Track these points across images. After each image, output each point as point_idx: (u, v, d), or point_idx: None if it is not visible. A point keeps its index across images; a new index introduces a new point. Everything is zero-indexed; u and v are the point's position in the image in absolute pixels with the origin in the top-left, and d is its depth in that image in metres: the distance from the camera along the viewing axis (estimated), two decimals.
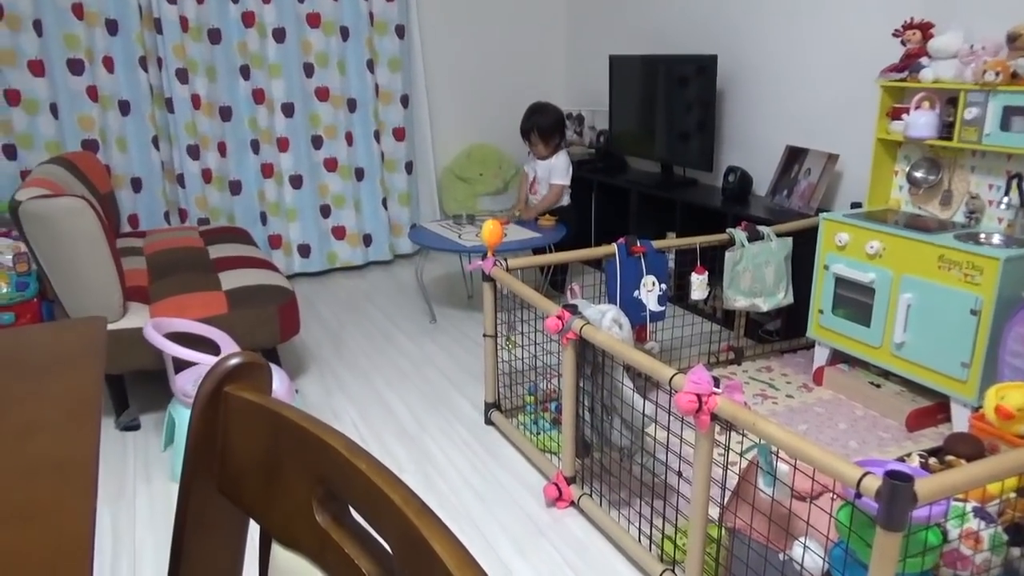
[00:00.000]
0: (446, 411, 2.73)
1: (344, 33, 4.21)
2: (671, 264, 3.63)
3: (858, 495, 1.24)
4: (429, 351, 3.28)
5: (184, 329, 2.47)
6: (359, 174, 4.44)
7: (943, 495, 1.23)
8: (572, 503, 2.13)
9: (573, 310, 2.03)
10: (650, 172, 4.25)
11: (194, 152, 3.98)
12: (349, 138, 4.33)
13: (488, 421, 2.62)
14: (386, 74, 4.41)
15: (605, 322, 1.99)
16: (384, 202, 4.51)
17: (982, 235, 2.44)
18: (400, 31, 4.38)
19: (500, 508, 2.15)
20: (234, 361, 0.70)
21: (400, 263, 4.66)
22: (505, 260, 2.48)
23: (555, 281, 3.85)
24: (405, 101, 4.49)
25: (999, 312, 2.24)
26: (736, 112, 3.75)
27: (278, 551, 0.66)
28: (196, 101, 3.93)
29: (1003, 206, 2.46)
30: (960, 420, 2.39)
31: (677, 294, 3.27)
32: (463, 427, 2.61)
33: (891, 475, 1.18)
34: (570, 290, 2.55)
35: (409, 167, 4.59)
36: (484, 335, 2.53)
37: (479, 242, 3.39)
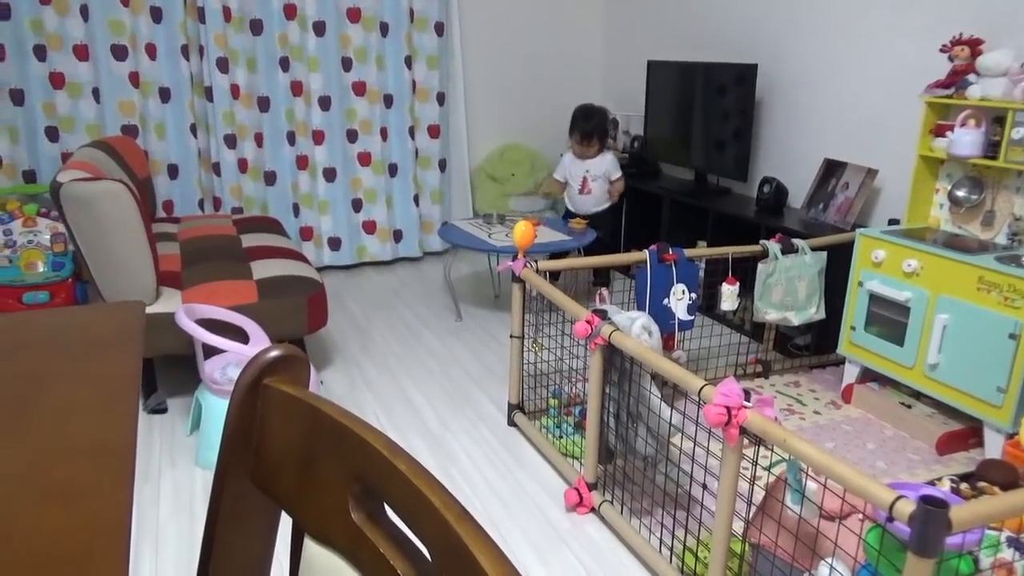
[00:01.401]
0: (469, 411, 2.73)
1: (384, 29, 4.23)
2: (701, 273, 3.60)
3: (890, 519, 1.22)
4: (455, 349, 3.29)
5: (215, 316, 2.50)
6: (392, 170, 4.46)
7: (978, 523, 1.20)
8: (593, 509, 2.12)
9: (603, 315, 2.02)
10: (683, 179, 4.22)
11: (231, 141, 4.02)
12: (384, 133, 4.35)
13: (511, 422, 2.62)
14: (423, 71, 4.42)
15: (635, 329, 1.97)
16: (416, 199, 4.52)
17: None
18: (439, 28, 4.39)
19: (520, 511, 2.14)
20: (274, 353, 0.70)
21: (429, 260, 4.67)
22: (535, 262, 2.47)
23: (601, 282, 3.93)
24: (441, 99, 4.50)
25: None
26: (774, 122, 3.70)
27: (310, 546, 0.66)
28: (235, 91, 3.98)
29: None
30: (993, 446, 2.34)
31: (707, 304, 3.24)
32: (486, 427, 2.61)
33: (925, 500, 1.16)
34: (599, 296, 2.54)
35: (443, 164, 4.61)
36: (511, 336, 2.53)
37: (508, 242, 3.39)
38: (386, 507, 0.60)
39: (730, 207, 3.58)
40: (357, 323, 3.56)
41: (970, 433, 2.50)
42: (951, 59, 2.64)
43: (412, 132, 4.43)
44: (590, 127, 3.82)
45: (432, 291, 4.07)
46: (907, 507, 1.18)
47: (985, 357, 2.31)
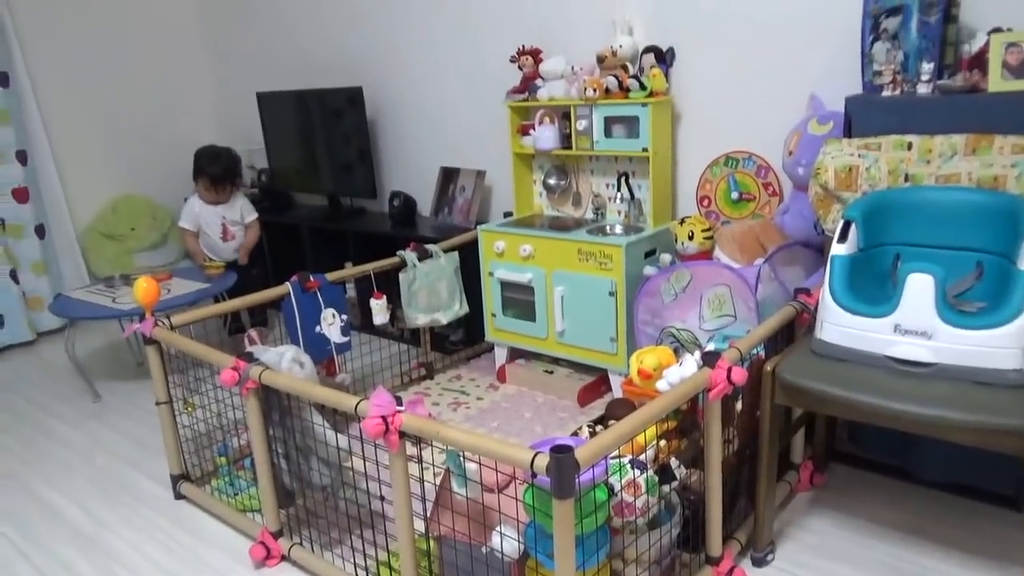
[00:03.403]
0: (127, 497, 2.43)
1: None
2: (352, 293, 3.66)
3: (534, 475, 1.37)
4: (97, 434, 2.89)
5: None
6: None
7: (600, 456, 1.41)
8: (283, 557, 2.04)
9: (249, 358, 1.94)
10: (318, 206, 4.23)
11: None
12: None
13: (178, 495, 2.39)
14: None
15: (284, 363, 1.94)
16: (13, 274, 3.87)
17: (607, 227, 2.85)
18: (4, 79, 3.81)
19: None
20: None
21: (46, 341, 4.04)
22: (168, 318, 2.29)
23: (234, 329, 3.65)
24: (22, 157, 3.91)
25: (629, 289, 2.62)
26: (390, 139, 3.89)
27: None
28: None
29: (618, 201, 2.89)
30: (617, 388, 2.76)
31: (364, 322, 3.30)
32: (150, 510, 2.35)
33: (555, 450, 1.33)
34: (247, 337, 2.44)
35: (40, 231, 4.01)
36: (157, 403, 2.31)
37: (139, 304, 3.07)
38: None
39: (367, 225, 3.69)
40: None
41: (600, 382, 2.91)
42: (520, 68, 3.02)
43: None
44: (219, 171, 3.51)
45: (56, 375, 3.53)
46: (543, 460, 1.34)
47: (596, 315, 2.71)
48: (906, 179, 1.93)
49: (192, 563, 2.07)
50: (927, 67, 2.03)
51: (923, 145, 1.91)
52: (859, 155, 2.00)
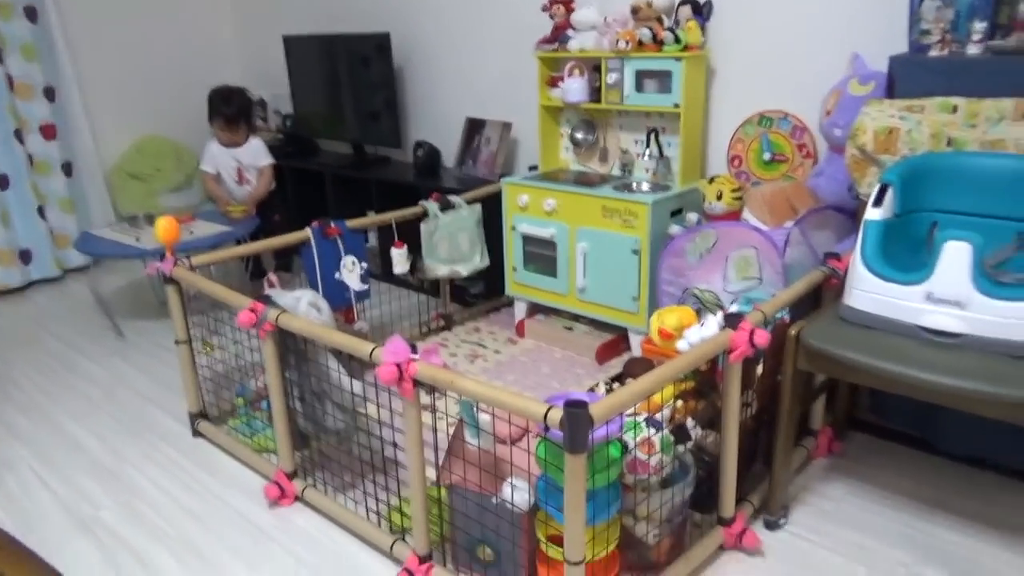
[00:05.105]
0: (147, 433, 2.47)
1: None
2: (373, 242, 3.65)
3: (547, 428, 1.36)
4: (120, 371, 2.94)
5: None
6: (2, 182, 3.79)
7: (615, 412, 1.39)
8: (297, 498, 2.06)
9: (267, 301, 1.94)
10: (342, 153, 4.20)
11: None
12: None
13: (196, 433, 2.43)
14: (20, 63, 3.79)
15: (301, 308, 1.93)
16: (41, 211, 3.91)
17: (634, 184, 2.79)
18: (31, 14, 3.78)
19: (221, 523, 2.00)
20: None
21: (72, 278, 4.09)
22: (188, 258, 2.29)
23: (256, 273, 3.66)
24: (51, 94, 3.91)
25: (653, 249, 2.58)
26: (417, 87, 3.83)
27: None
28: None
29: (646, 157, 2.82)
30: (637, 347, 2.73)
31: (384, 271, 3.29)
32: (169, 446, 2.39)
33: (569, 404, 1.31)
34: (266, 281, 2.44)
35: (68, 168, 4.03)
36: (176, 342, 2.32)
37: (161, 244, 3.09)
38: None
39: (390, 174, 3.65)
40: None
41: (620, 341, 2.88)
42: (552, 17, 2.94)
43: (20, 135, 3.79)
44: (233, 111, 3.49)
45: (81, 312, 3.58)
46: (556, 414, 1.32)
47: (619, 273, 2.67)
48: (948, 143, 1.85)
49: (208, 499, 2.11)
50: (979, 26, 1.93)
51: (969, 108, 1.83)
52: (900, 117, 1.92)
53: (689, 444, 1.74)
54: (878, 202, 1.74)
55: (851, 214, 2.32)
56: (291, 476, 2.07)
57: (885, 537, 1.85)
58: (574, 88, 2.83)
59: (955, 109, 1.84)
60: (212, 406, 2.48)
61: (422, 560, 1.71)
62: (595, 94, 2.85)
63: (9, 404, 2.70)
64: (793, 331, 1.75)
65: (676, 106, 2.63)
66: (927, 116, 1.88)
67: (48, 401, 2.72)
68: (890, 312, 1.66)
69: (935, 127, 1.86)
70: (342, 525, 1.95)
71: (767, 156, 2.64)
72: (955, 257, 1.57)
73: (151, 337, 3.24)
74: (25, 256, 3.90)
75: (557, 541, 1.48)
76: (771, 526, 1.90)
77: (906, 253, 1.75)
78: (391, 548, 1.80)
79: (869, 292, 1.69)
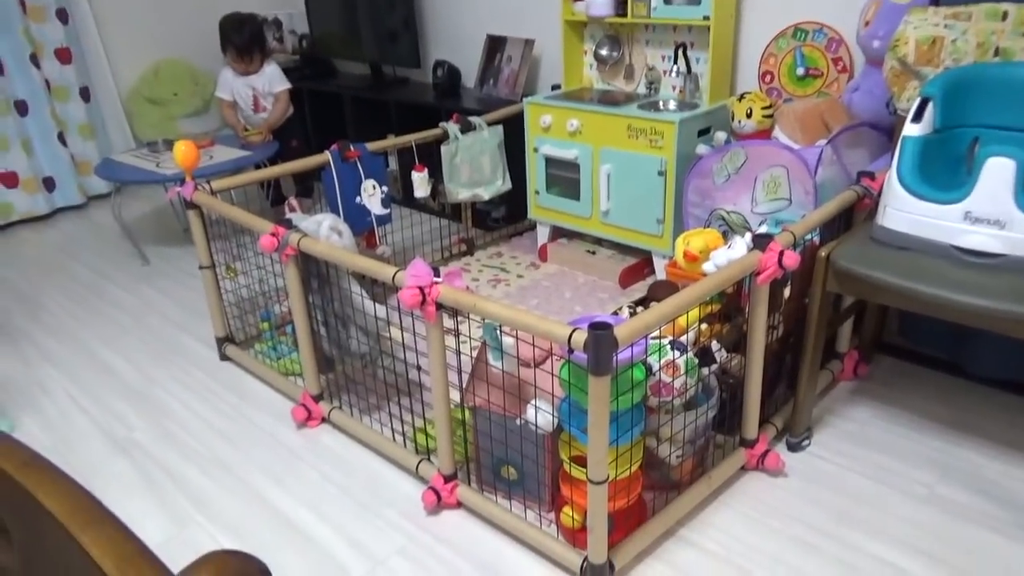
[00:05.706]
0: (176, 357, 2.52)
1: None
2: (393, 166, 3.60)
3: (570, 351, 1.35)
4: (147, 297, 2.97)
5: None
6: (21, 108, 3.76)
7: (639, 335, 1.37)
8: (323, 419, 2.10)
9: (288, 225, 1.93)
10: (360, 74, 4.11)
11: None
12: None
13: (224, 357, 2.46)
14: None
15: (322, 231, 1.92)
16: (61, 137, 3.89)
17: (660, 103, 2.70)
18: None
19: (250, 443, 2.05)
20: None
21: (96, 205, 4.11)
22: (208, 183, 2.27)
23: (276, 199, 3.64)
24: (63, 16, 3.84)
25: (679, 170, 2.51)
26: (436, 5, 3.70)
27: None
28: None
29: (674, 74, 2.72)
30: (661, 271, 2.70)
31: (406, 195, 3.26)
32: (198, 369, 2.43)
33: (594, 327, 1.29)
34: (287, 205, 2.42)
35: (85, 93, 3.99)
36: (200, 267, 2.33)
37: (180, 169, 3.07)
38: None
39: (410, 95, 3.57)
40: (20, 293, 3.06)
41: (644, 264, 2.85)
42: None
43: (36, 60, 3.75)
44: (245, 40, 3.37)
45: (107, 239, 3.60)
46: (581, 336, 1.31)
47: (644, 195, 2.61)
48: (996, 53, 1.75)
49: (237, 420, 2.15)
50: None
51: (1020, 15, 1.72)
52: (945, 25, 1.81)
53: (714, 367, 1.73)
54: (917, 117, 1.66)
55: (887, 131, 2.23)
56: (317, 399, 2.10)
57: (908, 459, 1.84)
58: (599, 1, 2.71)
59: (1005, 16, 1.73)
60: (238, 330, 2.50)
61: (447, 479, 1.74)
62: (621, 7, 2.73)
63: (41, 329, 2.75)
64: (823, 252, 1.71)
65: (706, 19, 2.51)
66: (974, 24, 1.77)
67: (79, 326, 2.76)
68: (925, 232, 1.61)
69: (982, 36, 1.76)
70: (368, 445, 1.99)
71: (800, 71, 2.53)
72: (997, 174, 1.51)
73: (176, 263, 3.26)
74: (49, 183, 3.91)
75: (580, 462, 1.49)
76: (794, 448, 1.91)
77: (944, 171, 1.68)
78: (416, 468, 1.83)
79: (904, 211, 1.63)
